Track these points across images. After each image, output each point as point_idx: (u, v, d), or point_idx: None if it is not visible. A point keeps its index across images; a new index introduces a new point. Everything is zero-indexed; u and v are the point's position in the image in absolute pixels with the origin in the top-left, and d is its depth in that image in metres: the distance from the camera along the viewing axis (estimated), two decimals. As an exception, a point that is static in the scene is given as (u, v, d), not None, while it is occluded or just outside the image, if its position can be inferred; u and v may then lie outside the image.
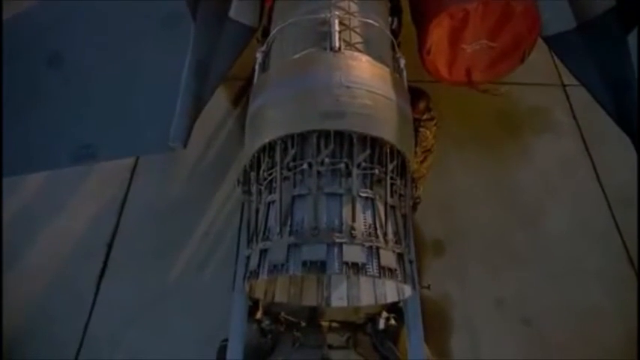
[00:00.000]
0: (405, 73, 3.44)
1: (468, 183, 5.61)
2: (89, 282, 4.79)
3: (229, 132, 6.00)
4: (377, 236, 2.51)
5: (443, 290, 4.75)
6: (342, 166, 2.60)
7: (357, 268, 2.36)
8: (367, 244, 2.44)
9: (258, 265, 2.53)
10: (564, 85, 6.67)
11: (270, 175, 2.77)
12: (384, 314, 3.51)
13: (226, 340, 3.19)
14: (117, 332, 4.49)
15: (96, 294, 4.73)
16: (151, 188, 5.48)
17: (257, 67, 3.42)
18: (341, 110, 2.69)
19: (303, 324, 3.70)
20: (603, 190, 5.65)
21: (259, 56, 3.45)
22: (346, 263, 2.34)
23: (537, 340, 4.57)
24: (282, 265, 2.39)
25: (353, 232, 2.43)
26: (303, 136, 2.69)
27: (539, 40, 4.08)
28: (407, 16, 4.42)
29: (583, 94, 6.07)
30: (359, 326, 3.71)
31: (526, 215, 5.39)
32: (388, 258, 2.48)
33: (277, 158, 2.71)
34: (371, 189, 2.63)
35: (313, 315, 3.90)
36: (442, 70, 4.20)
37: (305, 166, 2.61)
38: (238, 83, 6.18)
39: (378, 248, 2.46)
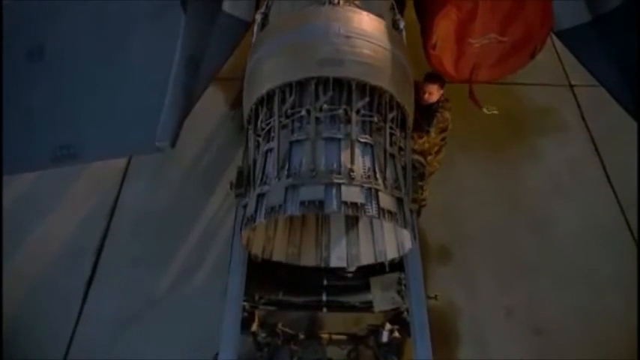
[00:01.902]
0: (404, 34, 3.39)
1: (474, 185, 5.43)
2: (76, 289, 4.60)
3: (225, 134, 5.86)
4: (376, 179, 2.48)
5: (449, 299, 4.54)
6: (341, 112, 2.57)
7: (355, 207, 2.32)
8: (366, 186, 2.41)
9: (255, 210, 2.48)
10: (572, 86, 6.53)
11: (267, 125, 2.74)
12: (388, 326, 3.39)
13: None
14: (104, 342, 4.29)
15: (83, 302, 4.54)
16: (142, 192, 5.32)
17: (256, 28, 3.38)
18: (340, 58, 2.67)
19: (302, 336, 3.57)
20: (615, 192, 5.50)
21: (258, 17, 3.42)
22: (345, 203, 2.30)
23: (550, 350, 4.37)
24: (280, 206, 2.36)
25: (352, 173, 2.40)
26: (302, 84, 2.66)
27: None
28: (410, 12, 4.24)
29: (591, 94, 6.01)
30: (361, 338, 3.58)
31: (535, 219, 5.22)
32: (387, 201, 2.44)
33: (275, 108, 2.67)
34: (370, 135, 2.61)
35: (312, 326, 3.75)
36: (448, 66, 4.01)
37: (303, 112, 2.59)
38: (235, 84, 6.00)
39: (377, 190, 2.43)
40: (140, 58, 3.29)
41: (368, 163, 2.51)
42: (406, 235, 2.77)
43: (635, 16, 3.56)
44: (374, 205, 2.36)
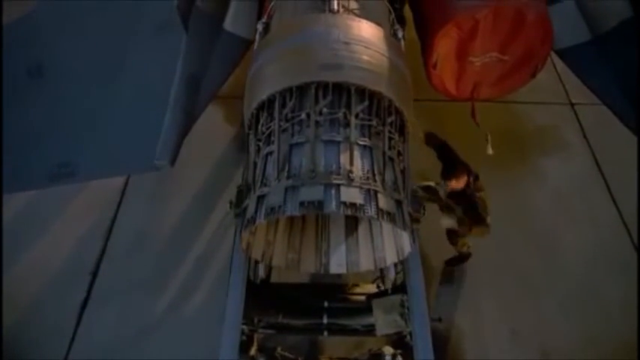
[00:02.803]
0: (403, 43, 3.45)
1: (477, 205, 5.32)
2: (70, 313, 4.46)
3: (225, 152, 5.79)
4: (375, 181, 2.49)
5: (453, 322, 4.42)
6: (341, 115, 2.61)
7: (354, 208, 2.33)
8: (365, 187, 2.42)
9: (256, 211, 2.49)
10: (572, 104, 6.51)
11: (268, 129, 2.77)
12: (390, 350, 3.25)
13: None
14: (99, 367, 4.15)
15: (76, 327, 4.39)
16: (141, 211, 5.23)
17: (257, 36, 3.46)
18: (339, 63, 2.74)
19: (302, 361, 3.42)
20: (619, 211, 5.39)
21: (260, 27, 3.50)
22: (344, 203, 2.32)
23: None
24: (280, 206, 2.37)
25: (351, 175, 2.42)
26: (302, 89, 2.70)
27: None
28: (411, 32, 4.24)
29: (592, 113, 6.00)
30: (362, 364, 3.43)
31: (540, 239, 5.12)
32: (386, 202, 2.46)
33: (276, 112, 2.71)
34: (369, 139, 2.64)
35: (313, 351, 3.63)
36: (449, 85, 4.01)
37: (303, 116, 2.62)
38: (236, 102, 5.99)
39: (376, 192, 2.44)
40: (140, 76, 3.28)
41: (367, 166, 2.53)
42: (405, 240, 2.76)
43: (635, 34, 3.57)
44: (373, 206, 2.38)
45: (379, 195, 2.44)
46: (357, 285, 3.47)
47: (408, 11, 4.36)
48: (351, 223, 3.18)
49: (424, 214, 3.55)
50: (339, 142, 2.54)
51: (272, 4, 3.57)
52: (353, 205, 2.33)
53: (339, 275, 4.17)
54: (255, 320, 3.17)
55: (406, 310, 3.11)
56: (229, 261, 3.26)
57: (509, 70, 3.93)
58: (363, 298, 3.33)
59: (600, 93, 3.81)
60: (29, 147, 3.18)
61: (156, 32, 3.32)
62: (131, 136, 3.18)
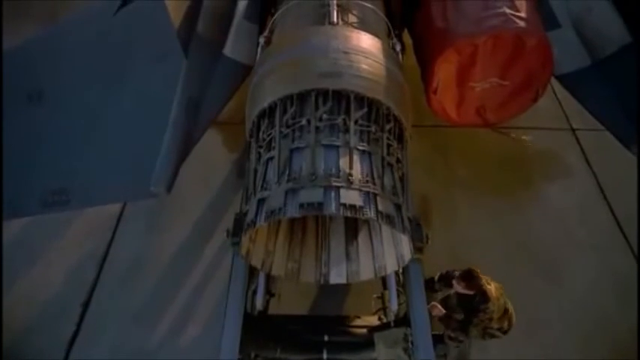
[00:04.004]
0: (400, 56, 3.54)
1: (480, 232, 5.23)
2: (57, 347, 4.27)
3: (224, 178, 5.71)
4: (374, 184, 2.52)
5: (459, 356, 4.20)
6: (340, 121, 2.67)
7: (354, 210, 2.35)
8: (364, 190, 2.45)
9: (256, 215, 2.51)
10: (574, 130, 6.48)
11: (269, 135, 2.81)
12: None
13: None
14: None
15: (66, 356, 4.20)
16: (136, 239, 5.10)
17: (259, 49, 3.57)
18: (338, 71, 2.82)
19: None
20: (625, 237, 5.29)
21: (262, 40, 3.62)
22: (343, 205, 2.34)
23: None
24: (280, 209, 2.40)
25: (350, 177, 2.45)
26: (302, 96, 2.76)
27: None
28: (411, 59, 4.24)
29: (594, 138, 5.96)
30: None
31: (544, 266, 4.99)
32: (386, 205, 2.49)
33: (277, 120, 2.76)
34: (368, 144, 2.68)
35: None
36: (450, 110, 3.99)
37: (303, 122, 2.68)
38: (234, 128, 5.98)
39: (375, 195, 2.47)
40: (137, 102, 3.25)
41: (366, 170, 2.57)
42: (405, 247, 2.77)
43: (634, 59, 3.58)
44: (372, 208, 2.40)
45: (378, 198, 2.47)
46: (358, 317, 3.35)
47: (407, 38, 4.38)
48: (351, 233, 3.19)
49: (428, 242, 3.46)
50: (338, 147, 2.59)
51: (273, 18, 3.68)
52: (352, 206, 2.36)
53: (339, 305, 4.05)
54: (252, 355, 3.06)
55: (410, 345, 2.98)
56: (226, 292, 3.15)
57: (509, 96, 3.92)
58: (364, 331, 3.20)
59: (601, 117, 3.80)
60: (23, 174, 3.12)
61: (155, 58, 3.32)
62: (127, 162, 3.14)
